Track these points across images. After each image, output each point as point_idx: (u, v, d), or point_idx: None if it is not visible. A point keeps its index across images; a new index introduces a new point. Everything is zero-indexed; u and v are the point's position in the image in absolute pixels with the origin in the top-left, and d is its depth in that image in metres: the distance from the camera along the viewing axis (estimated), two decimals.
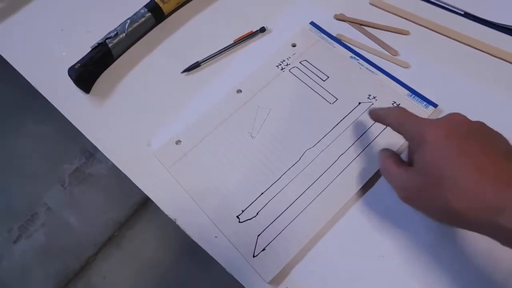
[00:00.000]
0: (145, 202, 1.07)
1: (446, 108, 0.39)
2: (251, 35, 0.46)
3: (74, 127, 0.43)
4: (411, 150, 0.28)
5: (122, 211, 1.06)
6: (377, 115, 0.32)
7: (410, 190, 0.27)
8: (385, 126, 0.38)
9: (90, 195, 1.09)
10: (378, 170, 0.36)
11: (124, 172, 0.39)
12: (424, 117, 0.37)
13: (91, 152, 1.15)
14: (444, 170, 0.24)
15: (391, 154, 0.30)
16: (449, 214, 0.24)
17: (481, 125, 0.26)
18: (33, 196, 1.09)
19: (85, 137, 0.42)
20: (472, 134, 0.25)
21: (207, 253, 0.35)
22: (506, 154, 0.24)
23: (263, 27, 0.46)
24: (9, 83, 1.24)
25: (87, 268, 1.00)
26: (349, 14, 0.46)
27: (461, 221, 0.24)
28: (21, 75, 0.47)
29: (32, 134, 1.19)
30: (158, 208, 0.37)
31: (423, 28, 0.44)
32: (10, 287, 0.98)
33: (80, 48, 0.45)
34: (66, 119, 0.44)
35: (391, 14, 0.46)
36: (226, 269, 0.33)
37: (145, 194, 0.38)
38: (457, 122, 0.26)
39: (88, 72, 0.44)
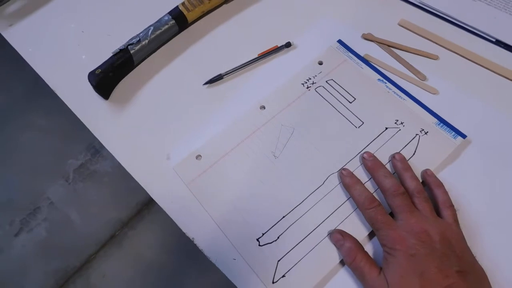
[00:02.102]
0: (149, 203, 1.06)
1: (475, 139, 0.38)
2: (276, 50, 0.45)
3: (81, 122, 0.42)
4: (384, 253, 0.32)
5: (125, 210, 1.05)
6: (350, 190, 0.35)
7: None
8: (412, 154, 0.37)
9: (93, 192, 1.08)
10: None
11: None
12: (452, 147, 0.36)
13: (96, 149, 1.14)
14: None
15: (361, 249, 0.33)
16: None
17: (440, 242, 0.30)
18: (36, 190, 1.08)
19: (91, 133, 0.42)
20: (433, 254, 0.29)
21: (208, 257, 0.34)
22: (459, 270, 0.29)
23: (288, 42, 0.45)
24: (18, 76, 1.23)
25: (87, 266, 0.99)
26: (377, 34, 0.45)
27: None
28: (30, 69, 0.46)
29: (38, 128, 1.18)
30: (161, 209, 0.36)
31: (453, 53, 0.43)
32: (8, 281, 0.97)
33: (100, 52, 0.44)
34: (73, 114, 0.43)
35: (420, 37, 0.45)
36: None
37: (149, 195, 0.37)
38: (421, 241, 0.30)
39: (109, 78, 0.43)
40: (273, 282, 0.32)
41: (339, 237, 0.33)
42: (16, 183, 1.09)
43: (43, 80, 0.46)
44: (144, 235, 1.03)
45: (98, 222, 1.04)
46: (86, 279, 0.98)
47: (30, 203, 1.07)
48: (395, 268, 0.30)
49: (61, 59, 0.48)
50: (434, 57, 0.43)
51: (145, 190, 0.38)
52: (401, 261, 0.30)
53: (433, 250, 0.30)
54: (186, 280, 0.96)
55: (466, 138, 0.37)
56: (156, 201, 0.37)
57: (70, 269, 0.98)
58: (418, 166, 0.36)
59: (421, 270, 0.29)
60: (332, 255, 0.33)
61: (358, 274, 0.32)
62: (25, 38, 0.50)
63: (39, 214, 1.06)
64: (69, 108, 0.43)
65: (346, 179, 0.35)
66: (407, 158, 0.37)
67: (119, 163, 0.39)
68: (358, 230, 0.34)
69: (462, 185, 0.36)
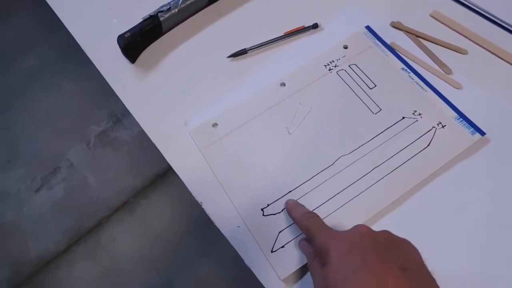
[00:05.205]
0: (164, 174, 1.08)
1: (493, 138, 0.37)
2: (302, 30, 0.45)
3: (107, 89, 0.44)
4: (321, 260, 0.28)
5: (140, 179, 1.08)
6: (291, 213, 0.34)
7: None
8: (426, 145, 0.37)
9: (111, 159, 1.12)
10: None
11: (157, 146, 0.40)
12: (469, 143, 0.36)
13: (118, 117, 1.17)
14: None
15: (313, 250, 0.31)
16: None
17: (384, 237, 0.27)
18: (58, 150, 1.13)
19: (115, 101, 0.43)
20: (372, 248, 0.26)
21: (216, 233, 0.35)
22: (403, 267, 0.25)
23: (316, 24, 0.45)
24: (53, 38, 1.27)
25: (99, 228, 1.03)
26: (406, 23, 0.44)
27: None
28: (64, 32, 0.48)
29: (65, 91, 1.22)
30: (175, 182, 0.38)
31: (482, 49, 0.42)
32: (26, 233, 1.02)
33: (130, 17, 0.46)
34: (100, 80, 0.44)
35: (451, 30, 0.44)
36: (244, 260, 0.34)
37: (164, 166, 0.39)
38: (360, 234, 0.27)
39: (136, 42, 0.45)
40: (272, 251, 0.33)
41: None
42: (40, 142, 1.14)
43: (76, 45, 0.47)
44: (156, 205, 1.06)
45: (113, 188, 1.07)
46: (96, 240, 1.02)
47: (52, 162, 1.11)
48: (331, 273, 0.26)
49: (93, 21, 0.49)
50: (463, 52, 0.42)
51: (161, 162, 0.39)
52: (336, 263, 0.26)
53: (373, 243, 0.26)
54: (191, 253, 0.98)
55: (485, 136, 0.37)
56: (170, 163, 0.39)
57: (83, 229, 1.03)
58: (431, 157, 0.36)
59: (360, 265, 0.25)
60: None
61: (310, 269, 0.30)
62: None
63: (59, 174, 1.10)
64: (96, 75, 0.45)
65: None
66: (420, 149, 0.36)
67: (138, 134, 0.41)
68: (361, 213, 0.34)
69: (472, 183, 0.36)
